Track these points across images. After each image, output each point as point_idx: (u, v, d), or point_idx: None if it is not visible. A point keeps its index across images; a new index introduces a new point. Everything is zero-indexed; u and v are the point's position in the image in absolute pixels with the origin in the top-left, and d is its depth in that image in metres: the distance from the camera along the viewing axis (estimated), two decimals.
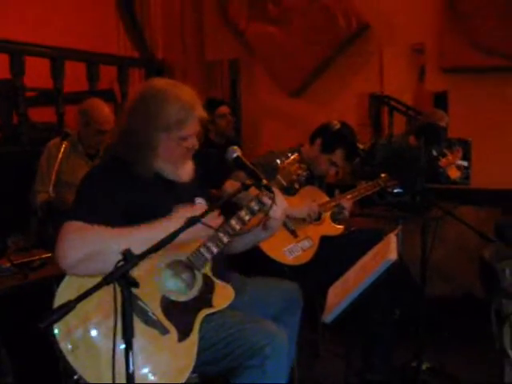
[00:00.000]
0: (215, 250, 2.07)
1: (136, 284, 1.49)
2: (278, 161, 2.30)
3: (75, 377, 1.84)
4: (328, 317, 2.18)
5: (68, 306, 1.40)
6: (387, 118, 5.26)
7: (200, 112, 2.14)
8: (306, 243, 3.23)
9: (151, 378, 1.88)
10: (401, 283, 3.50)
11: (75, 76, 4.70)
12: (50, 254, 2.69)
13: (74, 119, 3.79)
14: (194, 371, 1.97)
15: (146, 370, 1.87)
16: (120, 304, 1.49)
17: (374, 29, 4.72)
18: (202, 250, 2.06)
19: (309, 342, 2.21)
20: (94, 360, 1.82)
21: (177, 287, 2.06)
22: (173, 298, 2.00)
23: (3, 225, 3.17)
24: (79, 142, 3.68)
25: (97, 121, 3.60)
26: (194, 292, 2.04)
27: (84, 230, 1.86)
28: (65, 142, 3.42)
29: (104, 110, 3.66)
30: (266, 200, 2.11)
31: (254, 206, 2.13)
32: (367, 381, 3.27)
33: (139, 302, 1.91)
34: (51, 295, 2.68)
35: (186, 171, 2.20)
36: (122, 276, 1.47)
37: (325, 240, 3.28)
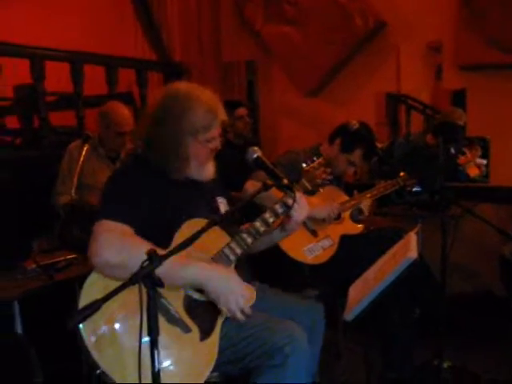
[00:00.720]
0: (239, 251, 2.10)
1: (161, 283, 1.51)
2: (304, 164, 2.33)
3: (98, 371, 1.86)
4: (349, 315, 2.20)
5: (95, 305, 1.43)
6: (404, 116, 5.26)
7: (222, 115, 2.18)
8: (325, 242, 3.25)
9: (171, 368, 1.90)
10: (421, 282, 3.50)
11: (94, 79, 4.75)
12: (74, 255, 2.74)
13: (94, 122, 3.83)
14: (214, 370, 2.00)
15: (167, 363, 1.89)
16: (145, 303, 1.51)
17: (391, 27, 4.72)
18: (226, 250, 2.09)
19: (329, 341, 2.23)
20: (117, 356, 1.85)
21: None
22: (196, 297, 2.02)
23: (27, 228, 3.22)
24: (100, 145, 3.72)
25: (117, 123, 3.63)
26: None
27: (121, 235, 1.90)
28: (86, 145, 3.47)
29: (124, 112, 3.70)
30: (291, 202, 2.13)
31: (279, 208, 2.16)
32: (388, 380, 3.28)
33: (162, 301, 1.94)
34: (75, 295, 2.74)
35: (209, 171, 2.23)
36: (147, 275, 1.49)
37: (345, 239, 3.30)
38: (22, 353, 1.71)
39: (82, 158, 3.35)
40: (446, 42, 4.44)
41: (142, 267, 1.50)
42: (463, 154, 4.43)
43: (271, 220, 2.16)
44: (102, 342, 1.83)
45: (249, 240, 2.12)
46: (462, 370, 3.32)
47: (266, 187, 2.02)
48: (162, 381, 1.55)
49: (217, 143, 2.19)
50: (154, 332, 1.51)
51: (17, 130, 5.25)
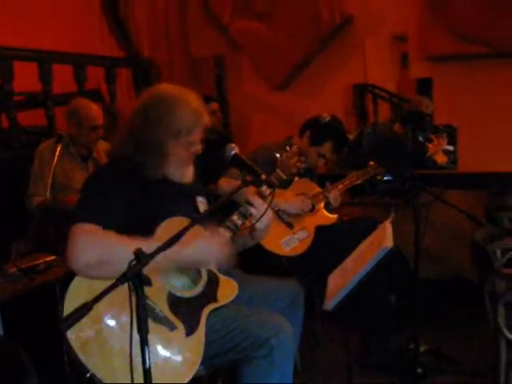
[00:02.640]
0: None
1: (149, 282, 1.54)
2: (278, 154, 2.34)
3: (88, 375, 1.86)
4: (329, 304, 2.26)
5: (86, 307, 1.45)
6: (371, 106, 5.33)
7: (206, 119, 2.20)
8: (302, 234, 3.30)
9: (160, 366, 1.91)
10: (395, 269, 3.58)
11: (61, 77, 4.71)
12: (53, 257, 2.74)
13: (64, 121, 3.81)
14: (201, 364, 2.02)
15: (154, 362, 1.90)
16: (133, 301, 1.54)
17: (357, 20, 4.76)
18: None
19: (308, 330, 2.28)
20: (105, 357, 1.86)
21: (182, 284, 2.11)
22: (179, 294, 2.05)
23: (3, 230, 3.20)
24: (72, 144, 3.71)
25: (88, 118, 3.64)
26: (199, 288, 2.10)
27: (96, 233, 1.90)
28: (59, 145, 3.46)
29: (92, 106, 3.72)
30: (253, 210, 2.13)
31: (237, 220, 2.16)
32: (367, 365, 3.36)
33: (147, 301, 1.94)
34: (55, 297, 2.75)
35: (188, 173, 2.26)
36: (135, 275, 1.52)
37: (320, 230, 3.35)
38: (11, 355, 1.71)
39: (56, 159, 3.33)
40: (411, 33, 4.51)
41: (130, 267, 1.52)
42: (431, 141, 4.53)
43: (239, 222, 2.16)
44: (89, 343, 1.84)
45: (227, 235, 2.13)
46: (437, 353, 3.42)
47: (245, 183, 2.05)
48: (152, 379, 1.57)
49: (197, 148, 2.22)
50: (143, 330, 1.54)
51: None
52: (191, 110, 2.13)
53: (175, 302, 2.03)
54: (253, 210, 2.14)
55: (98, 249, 1.88)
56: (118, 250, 1.86)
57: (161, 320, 1.96)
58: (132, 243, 1.82)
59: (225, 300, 2.15)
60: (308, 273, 3.40)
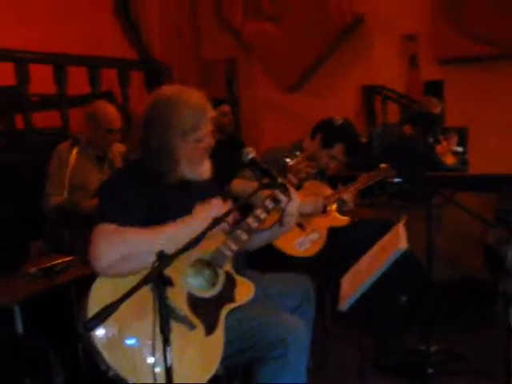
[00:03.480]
0: (235, 247, 2.17)
1: (171, 283, 1.58)
2: (288, 160, 2.38)
3: (110, 373, 1.90)
4: (344, 305, 2.29)
5: (111, 308, 1.50)
6: (380, 107, 5.36)
7: (211, 112, 2.21)
8: (314, 236, 3.33)
9: (179, 366, 1.92)
10: (407, 270, 3.60)
11: (74, 79, 4.76)
12: (71, 258, 2.78)
13: (81, 123, 3.86)
14: (220, 363, 2.06)
15: (174, 361, 1.94)
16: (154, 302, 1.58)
17: (368, 21, 4.78)
18: (223, 248, 2.15)
19: (319, 330, 2.32)
20: (128, 354, 1.90)
21: (201, 284, 2.15)
22: (197, 294, 2.09)
23: (20, 231, 3.25)
24: (89, 146, 3.75)
25: (106, 121, 3.68)
26: (217, 288, 2.13)
27: (116, 232, 1.95)
28: (75, 148, 3.51)
29: (111, 109, 3.76)
30: (281, 197, 2.21)
31: (269, 204, 2.23)
32: (379, 365, 3.39)
33: (167, 300, 2.00)
34: (71, 298, 2.80)
35: (204, 169, 2.29)
36: (158, 276, 1.56)
37: (332, 232, 3.38)
38: (40, 353, 1.75)
39: (72, 161, 3.37)
40: (423, 35, 4.52)
41: (153, 268, 1.56)
42: (439, 143, 4.55)
43: (263, 216, 2.22)
44: (113, 341, 1.88)
45: (244, 237, 2.19)
46: (448, 353, 3.44)
47: (263, 186, 2.09)
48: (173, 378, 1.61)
49: (209, 141, 2.23)
50: (166, 329, 1.58)
51: None
52: (192, 107, 2.14)
53: (194, 302, 2.07)
54: (280, 196, 2.20)
55: (119, 246, 1.93)
56: (137, 241, 1.93)
57: (181, 319, 2.00)
58: (150, 234, 1.94)
59: (242, 300, 2.18)
60: (320, 274, 3.44)
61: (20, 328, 2.62)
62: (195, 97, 2.18)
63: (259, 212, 2.22)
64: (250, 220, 2.21)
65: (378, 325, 3.46)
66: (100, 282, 1.95)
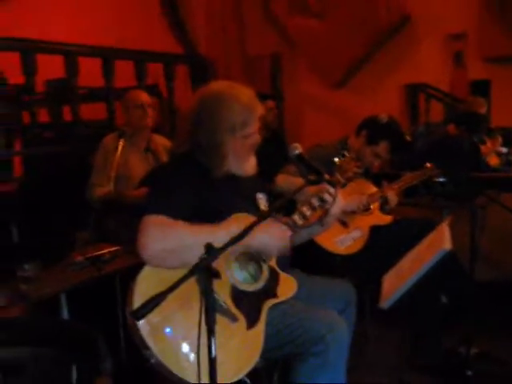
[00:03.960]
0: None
1: (218, 275, 1.61)
2: (336, 159, 2.40)
3: (152, 361, 1.92)
4: (385, 303, 2.29)
5: (158, 298, 1.53)
6: (424, 105, 5.31)
7: (260, 110, 2.23)
8: (356, 233, 3.33)
9: (220, 357, 1.97)
10: (448, 270, 3.57)
11: (120, 72, 4.84)
12: (118, 248, 2.83)
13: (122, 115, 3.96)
14: (259, 356, 2.08)
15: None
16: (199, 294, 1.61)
17: (415, 19, 4.74)
18: None
19: (358, 329, 2.33)
20: (172, 343, 1.94)
21: (245, 278, 2.18)
22: (241, 288, 2.12)
23: (67, 221, 3.32)
24: (134, 136, 3.84)
25: (132, 98, 3.84)
26: (260, 283, 2.16)
27: (166, 224, 1.98)
28: (121, 140, 3.58)
29: (137, 90, 3.99)
30: (327, 197, 2.23)
31: (315, 202, 2.26)
32: (417, 366, 3.37)
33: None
34: (115, 287, 2.85)
35: (250, 165, 2.31)
36: (205, 268, 1.59)
37: (375, 230, 3.38)
38: (90, 339, 1.80)
39: (118, 153, 3.44)
40: (470, 33, 4.46)
41: (200, 260, 1.59)
42: (484, 143, 4.49)
43: (308, 213, 2.26)
44: (158, 329, 1.92)
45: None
46: (488, 356, 3.40)
47: (309, 182, 2.10)
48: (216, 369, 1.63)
49: (256, 138, 2.26)
50: (211, 320, 1.61)
51: (47, 124, 5.35)
52: (242, 103, 2.16)
53: (238, 295, 2.09)
54: (327, 196, 2.23)
55: (168, 239, 1.96)
56: (187, 239, 1.95)
57: (224, 312, 2.03)
58: (200, 232, 1.95)
59: (284, 296, 2.20)
60: (361, 272, 3.43)
61: (65, 316, 2.69)
62: (245, 93, 2.20)
63: (305, 209, 2.25)
64: (296, 217, 2.24)
65: (417, 324, 3.44)
66: (147, 271, 1.99)
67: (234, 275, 2.13)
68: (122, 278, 2.88)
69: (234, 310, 2.06)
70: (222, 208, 2.13)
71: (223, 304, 2.04)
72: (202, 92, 2.25)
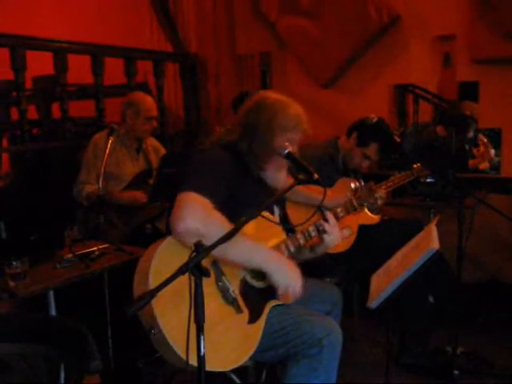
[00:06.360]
0: (292, 249, 2.33)
1: (207, 273, 1.61)
2: (353, 185, 2.82)
3: (153, 331, 1.94)
4: (373, 303, 2.31)
5: (149, 296, 1.52)
6: (412, 106, 5.33)
7: (306, 124, 2.37)
8: (345, 232, 3.32)
9: (216, 344, 1.99)
10: (435, 270, 3.59)
11: (110, 70, 4.82)
12: (106, 245, 2.83)
13: (117, 114, 3.93)
14: (252, 357, 2.11)
15: (214, 337, 1.98)
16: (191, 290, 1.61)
17: (404, 20, 4.74)
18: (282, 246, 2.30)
19: (344, 328, 2.34)
20: (178, 312, 1.92)
21: (255, 274, 2.21)
22: (251, 282, 2.18)
23: (56, 218, 3.32)
24: (126, 136, 3.84)
25: (146, 109, 3.82)
26: (266, 281, 2.18)
27: (213, 213, 2.01)
28: (111, 138, 3.57)
29: (150, 99, 3.93)
30: (327, 227, 2.38)
31: (312, 231, 2.38)
32: (403, 364, 3.39)
33: (224, 279, 2.09)
34: (103, 285, 2.85)
35: (281, 180, 2.40)
36: (195, 266, 1.59)
37: (362, 229, 3.39)
38: (79, 337, 1.80)
39: (107, 151, 3.43)
40: (459, 35, 4.47)
41: (191, 258, 1.59)
42: (477, 145, 4.53)
43: (302, 241, 2.36)
44: (164, 296, 1.86)
45: (301, 241, 2.38)
46: (474, 355, 3.43)
47: (298, 182, 2.11)
48: (207, 350, 1.62)
49: (295, 147, 2.31)
50: (200, 318, 1.60)
51: (35, 121, 5.32)
52: (297, 111, 2.32)
53: (246, 289, 2.15)
54: (327, 227, 2.35)
55: (209, 226, 1.96)
56: (218, 230, 1.89)
57: (232, 300, 2.08)
58: (245, 240, 2.07)
59: (283, 300, 2.24)
60: (349, 271, 3.45)
61: (53, 313, 2.69)
62: (298, 106, 2.36)
63: (299, 237, 2.36)
64: (289, 242, 2.33)
65: (404, 324, 3.46)
66: (168, 244, 2.03)
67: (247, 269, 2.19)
68: (110, 275, 2.89)
69: (240, 301, 2.11)
70: (243, 207, 2.12)
71: (232, 293, 2.10)
72: (262, 94, 2.39)
